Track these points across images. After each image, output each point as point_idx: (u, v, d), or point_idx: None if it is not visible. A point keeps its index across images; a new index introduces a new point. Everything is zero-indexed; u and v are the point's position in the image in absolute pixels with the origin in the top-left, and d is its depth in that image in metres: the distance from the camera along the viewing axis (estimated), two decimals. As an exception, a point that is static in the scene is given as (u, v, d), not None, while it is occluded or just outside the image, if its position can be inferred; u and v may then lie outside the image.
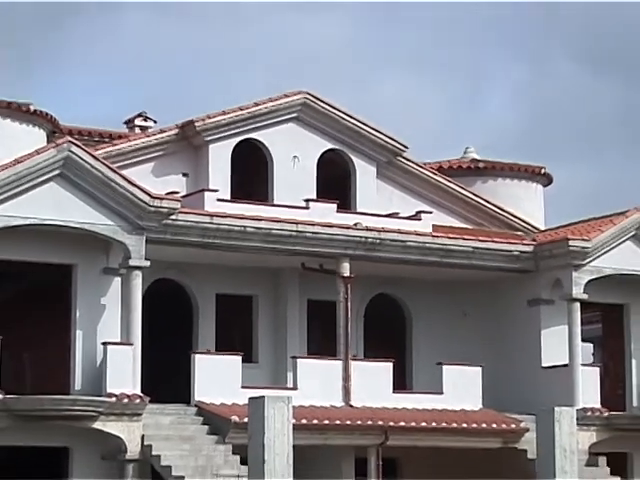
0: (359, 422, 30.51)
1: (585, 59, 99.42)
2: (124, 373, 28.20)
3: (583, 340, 34.04)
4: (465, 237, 34.28)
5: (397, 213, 34.29)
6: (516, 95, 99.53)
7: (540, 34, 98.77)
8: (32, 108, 31.54)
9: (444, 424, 31.42)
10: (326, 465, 30.06)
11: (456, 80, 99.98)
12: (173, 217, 29.44)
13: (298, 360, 31.67)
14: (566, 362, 33.21)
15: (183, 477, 27.24)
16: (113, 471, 28.23)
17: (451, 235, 34.17)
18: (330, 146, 34.13)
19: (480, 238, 34.49)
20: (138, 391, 28.22)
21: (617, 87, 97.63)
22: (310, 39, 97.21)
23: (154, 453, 27.88)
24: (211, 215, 30.66)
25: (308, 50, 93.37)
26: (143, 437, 28.10)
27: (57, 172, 28.10)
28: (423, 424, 31.10)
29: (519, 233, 35.94)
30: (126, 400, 27.98)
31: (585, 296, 33.58)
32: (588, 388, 33.06)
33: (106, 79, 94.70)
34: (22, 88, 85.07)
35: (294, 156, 33.39)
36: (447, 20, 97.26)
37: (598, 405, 33.03)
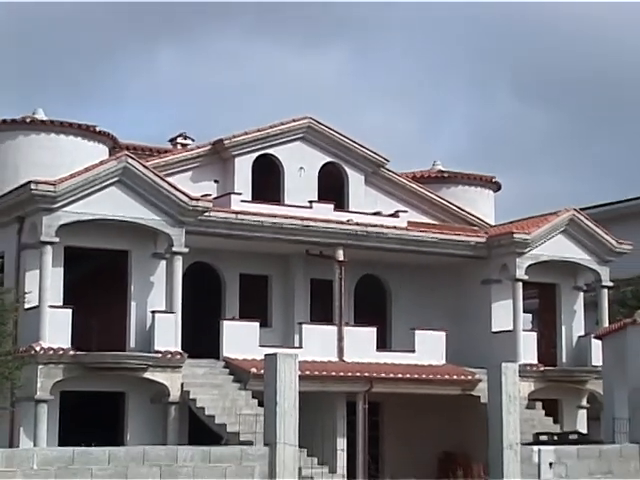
0: (350, 374, 30.67)
1: (519, 93, 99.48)
2: (168, 335, 28.43)
3: (524, 311, 34.04)
4: (433, 231, 34.47)
5: (380, 212, 34.39)
6: (469, 120, 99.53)
7: (485, 73, 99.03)
8: (97, 129, 31.83)
9: (416, 375, 31.54)
10: (324, 407, 30.07)
11: (423, 109, 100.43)
12: (206, 214, 29.65)
13: (303, 325, 31.88)
14: (510, 328, 33.38)
15: (213, 416, 27.57)
16: (159, 412, 28.43)
17: (422, 229, 34.31)
18: (328, 160, 34.20)
19: (444, 231, 34.68)
20: (179, 349, 28.41)
21: (545, 113, 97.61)
22: (310, 75, 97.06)
23: (191, 397, 28.15)
24: (236, 213, 30.89)
25: (309, 83, 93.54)
26: (182, 385, 28.28)
27: (117, 179, 28.31)
28: (399, 375, 31.28)
29: (475, 228, 35.92)
30: (169, 356, 28.20)
31: (526, 277, 33.76)
32: (527, 349, 33.25)
33: (155, 106, 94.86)
34: (87, 113, 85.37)
35: (300, 167, 33.55)
36: (415, 66, 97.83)
37: (535, 362, 33.15)
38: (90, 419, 27.06)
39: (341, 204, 33.96)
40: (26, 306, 26.02)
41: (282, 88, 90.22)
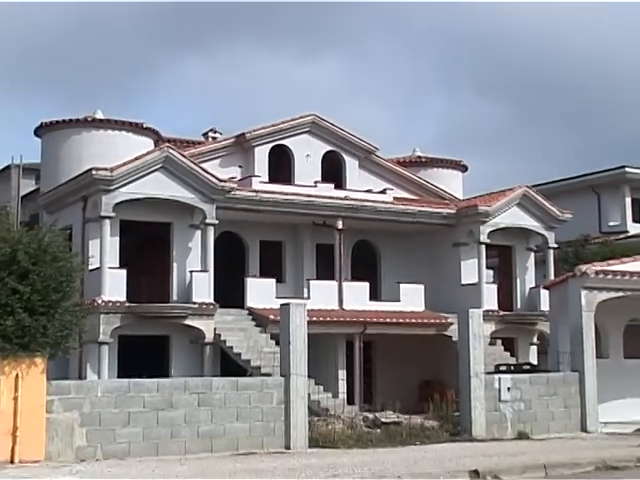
0: (348, 319, 30.81)
1: (477, 91, 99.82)
2: (203, 289, 28.48)
3: (486, 268, 34.02)
4: (413, 204, 34.39)
5: (371, 190, 34.26)
6: (438, 114, 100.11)
7: (450, 76, 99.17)
8: (144, 125, 31.82)
9: (401, 320, 31.64)
10: (328, 346, 30.23)
11: (401, 106, 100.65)
12: (232, 193, 29.65)
13: (310, 281, 31.95)
14: (476, 282, 33.37)
15: (240, 353, 27.75)
16: (196, 351, 28.55)
17: (405, 203, 34.26)
18: (329, 148, 33.99)
19: (422, 205, 34.58)
20: (211, 300, 28.49)
21: (499, 107, 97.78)
22: (307, 78, 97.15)
23: (222, 339, 28.34)
24: (256, 191, 30.86)
25: (307, 85, 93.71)
26: (215, 329, 28.44)
27: (160, 165, 28.35)
28: (388, 320, 31.32)
29: (447, 202, 35.72)
30: (204, 306, 28.30)
31: (488, 241, 33.68)
32: (489, 298, 33.19)
33: (191, 106, 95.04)
34: (135, 112, 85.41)
35: (307, 155, 33.42)
36: (393, 70, 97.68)
37: (495, 308, 33.15)
38: (141, 357, 27.04)
39: (340, 184, 33.76)
40: (90, 268, 26.06)
41: (286, 89, 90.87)
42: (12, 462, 16.94)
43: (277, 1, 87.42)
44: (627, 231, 44.10)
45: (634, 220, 45.43)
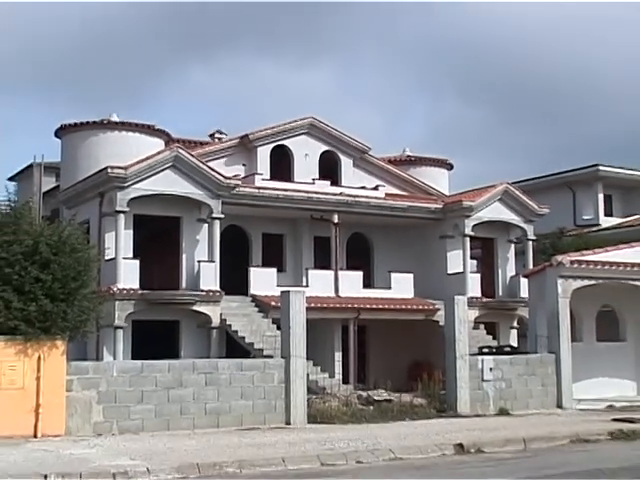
0: (343, 305, 30.77)
1: (461, 95, 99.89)
2: (210, 278, 28.40)
3: (470, 258, 34.02)
4: (403, 200, 34.39)
5: (364, 186, 34.22)
6: (426, 117, 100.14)
7: (435, 82, 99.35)
8: (155, 127, 31.70)
9: (392, 306, 31.62)
10: (325, 330, 30.11)
11: (391, 109, 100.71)
12: (237, 189, 29.59)
13: (309, 270, 31.92)
14: (461, 271, 33.37)
15: (244, 337, 27.69)
16: (204, 334, 28.51)
17: (395, 199, 34.26)
18: (326, 148, 33.89)
19: (412, 200, 34.57)
20: (218, 288, 28.43)
21: (480, 111, 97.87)
22: (307, 84, 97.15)
23: (227, 323, 28.26)
24: (258, 188, 30.81)
25: (303, 89, 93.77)
26: (221, 314, 28.38)
27: (170, 164, 28.27)
28: (380, 306, 31.31)
29: (434, 197, 35.65)
30: (211, 293, 28.25)
31: (472, 233, 33.64)
32: (473, 286, 33.13)
33: (198, 108, 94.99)
34: (146, 115, 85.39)
35: (306, 154, 33.31)
36: (383, 77, 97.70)
37: (479, 295, 33.19)
38: (153, 340, 27.03)
39: (335, 181, 33.69)
40: (106, 258, 26.10)
41: (285, 93, 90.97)
42: (35, 436, 17.01)
43: (276, 13, 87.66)
44: (599, 224, 44.27)
45: (606, 214, 45.59)
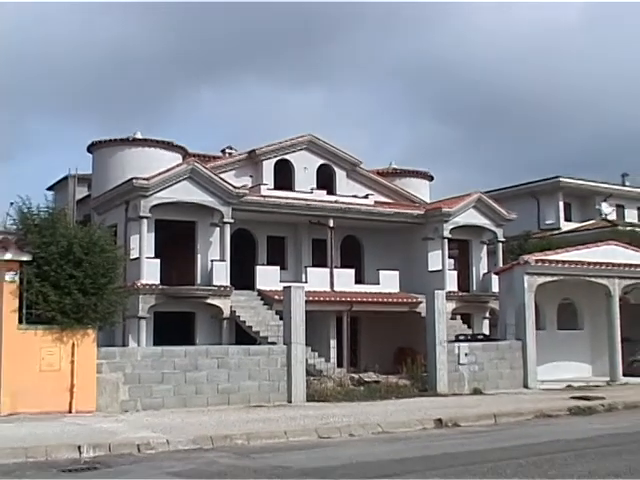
0: (338, 299, 30.71)
1: (436, 117, 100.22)
2: (221, 275, 28.44)
3: (448, 257, 34.10)
4: (390, 207, 34.39)
5: (356, 195, 34.11)
6: (407, 135, 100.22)
7: (415, 105, 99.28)
8: (174, 143, 31.68)
9: (380, 299, 31.61)
10: (322, 321, 29.94)
11: (377, 128, 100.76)
12: (245, 198, 29.60)
13: (307, 268, 31.89)
14: (440, 268, 33.37)
15: (251, 326, 27.72)
16: (216, 324, 28.51)
17: (383, 206, 34.23)
18: (323, 162, 33.81)
19: (397, 207, 34.58)
20: (228, 284, 28.44)
21: (460, 130, 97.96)
22: (305, 105, 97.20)
23: (237, 314, 28.28)
24: (264, 196, 30.81)
25: (298, 110, 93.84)
26: (231, 307, 28.38)
27: (187, 175, 28.31)
28: (369, 299, 31.29)
29: (417, 204, 35.63)
30: (222, 288, 28.25)
31: (450, 236, 33.67)
32: (451, 281, 33.21)
33: (212, 127, 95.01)
34: (166, 132, 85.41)
35: (305, 167, 33.24)
36: (369, 100, 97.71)
37: (456, 289, 33.13)
38: (172, 329, 27.16)
39: (331, 190, 33.61)
40: (131, 257, 26.11)
41: (283, 113, 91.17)
42: (70, 412, 17.03)
43: (275, 44, 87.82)
44: (560, 228, 44.47)
45: (566, 219, 45.89)
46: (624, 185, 49.54)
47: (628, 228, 39.96)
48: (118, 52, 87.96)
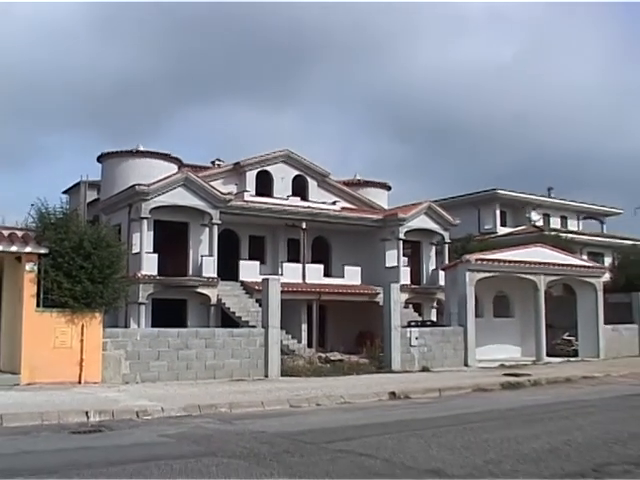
0: (309, 289, 30.72)
1: (395, 135, 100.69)
2: (210, 268, 28.38)
3: (403, 256, 34.12)
4: (354, 212, 34.45)
5: (325, 202, 34.16)
6: (368, 151, 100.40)
7: (375, 124, 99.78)
8: (171, 155, 31.48)
9: (345, 290, 31.68)
10: (295, 308, 29.80)
11: (341, 145, 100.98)
12: (230, 203, 29.52)
13: (283, 263, 31.89)
14: (395, 265, 33.43)
15: (235, 312, 27.76)
16: (205, 310, 28.40)
17: (348, 211, 34.28)
18: (297, 173, 33.71)
19: (360, 213, 34.65)
20: (215, 275, 28.38)
21: (414, 147, 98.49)
22: (274, 127, 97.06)
23: (222, 302, 28.30)
24: (247, 202, 30.78)
25: (276, 130, 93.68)
26: (218, 295, 28.33)
27: (182, 183, 28.22)
28: (336, 290, 31.34)
29: (377, 210, 35.72)
30: (210, 279, 28.19)
31: (404, 237, 33.74)
32: (404, 276, 33.00)
33: (202, 141, 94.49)
34: (160, 143, 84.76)
35: (282, 177, 33.18)
36: (336, 120, 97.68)
37: (409, 283, 33.19)
38: (167, 313, 27.06)
39: (304, 197, 33.57)
40: (133, 252, 26.02)
41: (263, 131, 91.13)
42: (79, 383, 16.93)
43: (256, 71, 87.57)
44: (497, 232, 44.92)
45: (502, 225, 46.39)
46: (550, 197, 50.32)
47: (552, 233, 40.56)
48: (123, 76, 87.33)
